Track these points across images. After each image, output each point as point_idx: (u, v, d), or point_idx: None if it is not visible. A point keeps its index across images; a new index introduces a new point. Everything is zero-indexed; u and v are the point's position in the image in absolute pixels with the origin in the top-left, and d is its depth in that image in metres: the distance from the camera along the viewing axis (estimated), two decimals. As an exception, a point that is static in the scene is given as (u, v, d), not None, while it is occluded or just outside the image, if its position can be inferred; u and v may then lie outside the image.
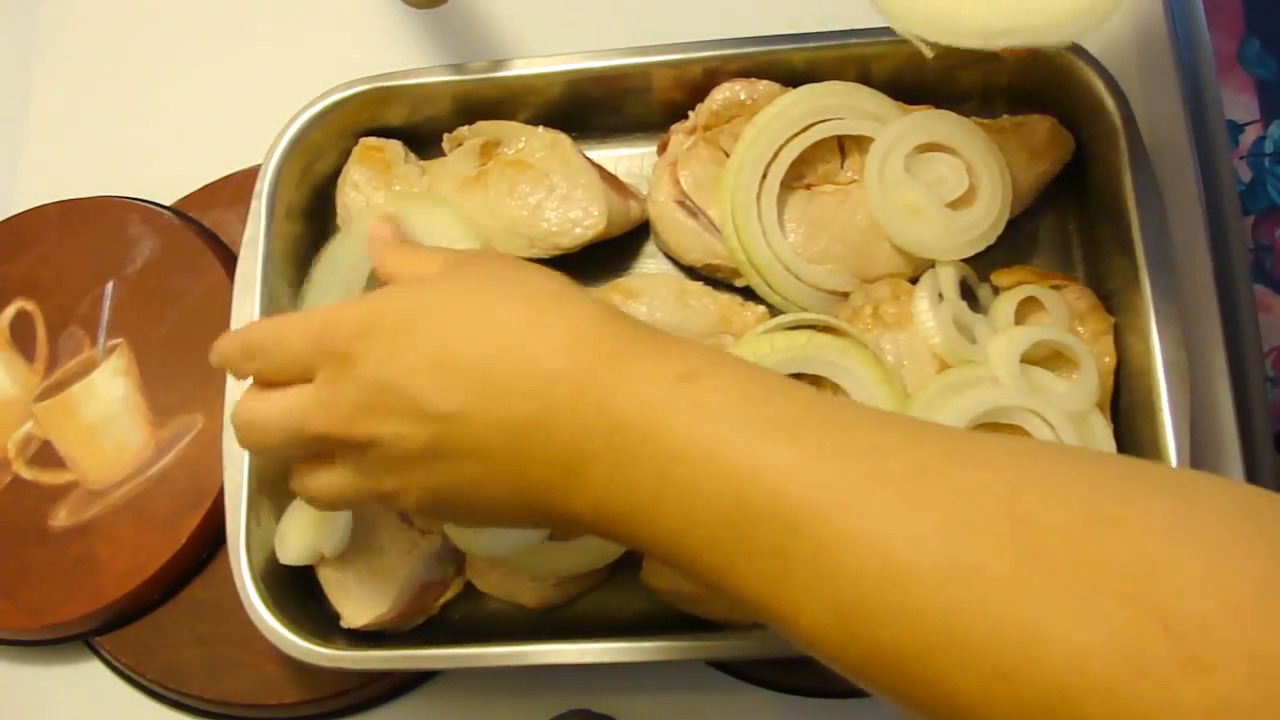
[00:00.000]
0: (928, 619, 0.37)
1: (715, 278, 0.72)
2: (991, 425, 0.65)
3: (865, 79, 0.71)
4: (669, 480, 0.43)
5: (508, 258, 0.55)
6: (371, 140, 0.76)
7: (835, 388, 0.66)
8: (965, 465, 0.39)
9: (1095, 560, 0.35)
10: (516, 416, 0.47)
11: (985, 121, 0.71)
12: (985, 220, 0.68)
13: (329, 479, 0.53)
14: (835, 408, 0.44)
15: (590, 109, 0.76)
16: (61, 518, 0.75)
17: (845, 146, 0.72)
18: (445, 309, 0.49)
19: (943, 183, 0.69)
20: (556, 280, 0.51)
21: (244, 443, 0.55)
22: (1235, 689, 0.32)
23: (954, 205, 0.69)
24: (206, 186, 0.83)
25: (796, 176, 0.71)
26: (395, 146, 0.76)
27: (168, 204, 0.82)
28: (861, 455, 0.41)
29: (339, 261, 0.72)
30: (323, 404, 0.50)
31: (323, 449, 0.52)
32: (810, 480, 0.40)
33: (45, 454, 0.76)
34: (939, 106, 0.71)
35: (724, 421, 0.43)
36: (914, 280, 0.69)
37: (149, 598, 0.73)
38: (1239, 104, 1.71)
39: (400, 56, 0.83)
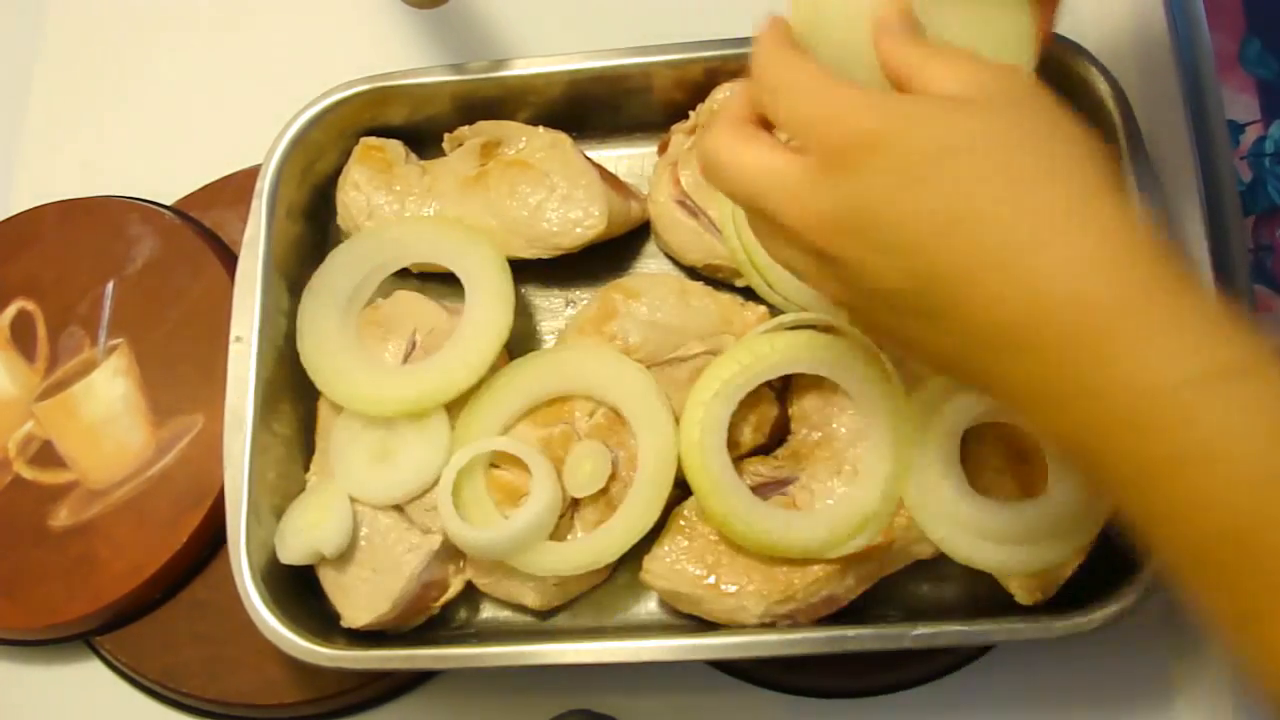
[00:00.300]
0: None
1: (716, 278, 0.72)
2: (991, 425, 0.65)
3: (865, 79, 0.71)
4: (1162, 478, 0.40)
5: (1047, 103, 0.46)
6: (372, 140, 0.76)
7: (835, 388, 0.66)
8: None
9: None
10: (1001, 320, 0.42)
11: (985, 121, 0.71)
12: (985, 220, 0.68)
13: (788, 254, 0.48)
14: None
15: (590, 109, 0.76)
16: (62, 518, 0.75)
17: (845, 146, 0.72)
18: (980, 159, 0.43)
19: (943, 183, 0.69)
20: (1097, 165, 0.43)
21: (706, 174, 0.50)
22: None
23: (954, 205, 0.69)
24: (206, 186, 0.83)
25: (797, 176, 0.71)
26: (396, 146, 0.76)
27: (168, 204, 0.82)
28: None
29: (342, 268, 0.72)
30: (796, 194, 0.45)
31: (781, 226, 0.47)
32: None
33: (45, 454, 0.76)
34: (939, 106, 0.71)
35: (1250, 446, 0.38)
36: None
37: (149, 598, 0.73)
38: (1239, 104, 1.71)
39: (400, 56, 0.83)
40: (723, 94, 0.72)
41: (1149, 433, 0.40)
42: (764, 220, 0.48)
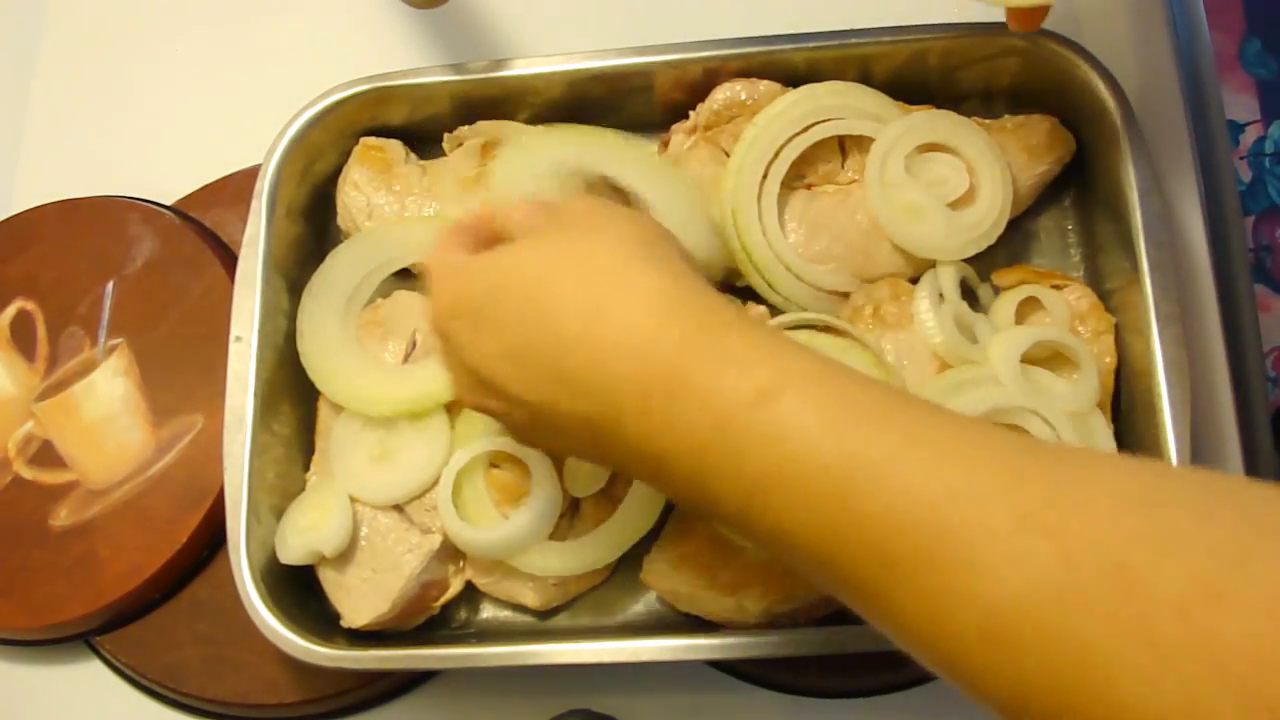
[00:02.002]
0: (1030, 679, 0.36)
1: (716, 278, 0.72)
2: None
3: (865, 79, 0.71)
4: (759, 492, 0.43)
5: (592, 208, 0.54)
6: (372, 140, 0.76)
7: (835, 388, 0.66)
8: (1071, 513, 0.37)
9: (1203, 639, 0.33)
10: (589, 413, 0.47)
11: (986, 122, 0.71)
12: (986, 220, 0.68)
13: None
14: (932, 425, 0.42)
15: (590, 109, 0.76)
16: (62, 517, 0.75)
17: (846, 146, 0.72)
18: (519, 290, 0.49)
19: (943, 183, 0.69)
20: (625, 244, 0.49)
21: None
22: None
23: (955, 205, 0.69)
24: (206, 186, 0.83)
25: (797, 176, 0.71)
26: (396, 146, 0.76)
27: (168, 204, 0.82)
28: (960, 497, 0.39)
29: (342, 268, 0.72)
30: (447, 371, 0.54)
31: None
32: (913, 493, 0.39)
33: (45, 454, 0.76)
34: (940, 106, 0.71)
35: (807, 446, 0.42)
36: (914, 280, 0.69)
37: (149, 598, 0.73)
38: (1239, 104, 1.71)
39: (400, 56, 0.83)
40: (723, 94, 0.72)
41: (730, 465, 0.43)
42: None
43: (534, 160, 0.70)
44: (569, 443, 0.51)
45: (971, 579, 0.38)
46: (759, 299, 0.70)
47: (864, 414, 0.42)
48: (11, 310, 0.80)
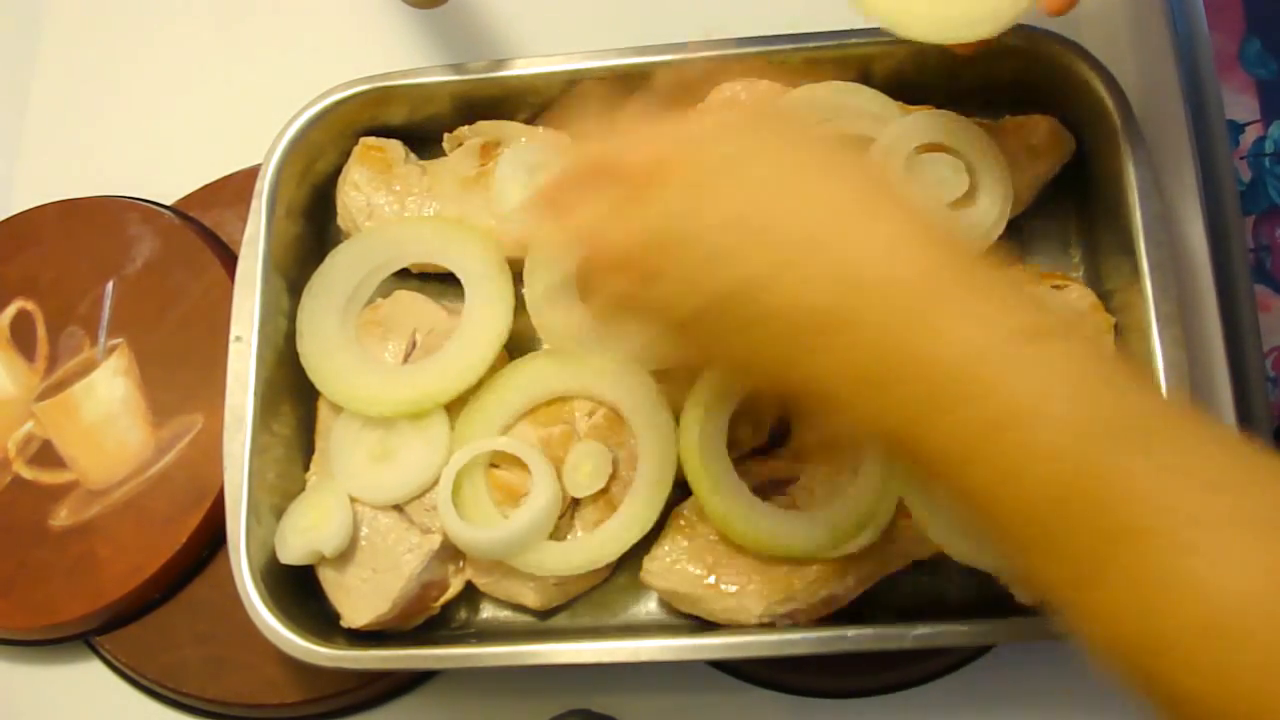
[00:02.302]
0: (1239, 689, 0.35)
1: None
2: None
3: (865, 79, 0.71)
4: (988, 444, 0.40)
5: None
6: (372, 140, 0.76)
7: (835, 388, 0.66)
8: None
9: None
10: (816, 305, 0.43)
11: (986, 121, 0.71)
12: (986, 220, 0.68)
13: (617, 289, 0.49)
14: (1187, 421, 0.40)
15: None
16: (62, 517, 0.75)
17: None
18: (761, 164, 0.45)
19: (943, 183, 0.69)
20: (869, 165, 0.48)
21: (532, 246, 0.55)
22: None
23: (954, 205, 0.69)
24: (206, 186, 0.83)
25: (797, 176, 0.71)
26: (396, 146, 0.76)
27: (168, 204, 0.82)
28: (1212, 486, 0.37)
29: (342, 268, 0.72)
30: (611, 226, 0.47)
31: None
32: (1149, 498, 0.37)
33: (45, 454, 0.76)
34: (939, 106, 0.71)
35: (1068, 403, 0.39)
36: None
37: (149, 598, 0.73)
38: (1239, 104, 1.71)
39: (400, 56, 0.83)
40: (723, 94, 0.72)
41: (964, 402, 0.40)
42: (589, 265, 0.51)
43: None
44: (757, 339, 0.45)
45: (1201, 566, 0.36)
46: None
47: (1114, 382, 0.40)
48: (11, 310, 0.80)
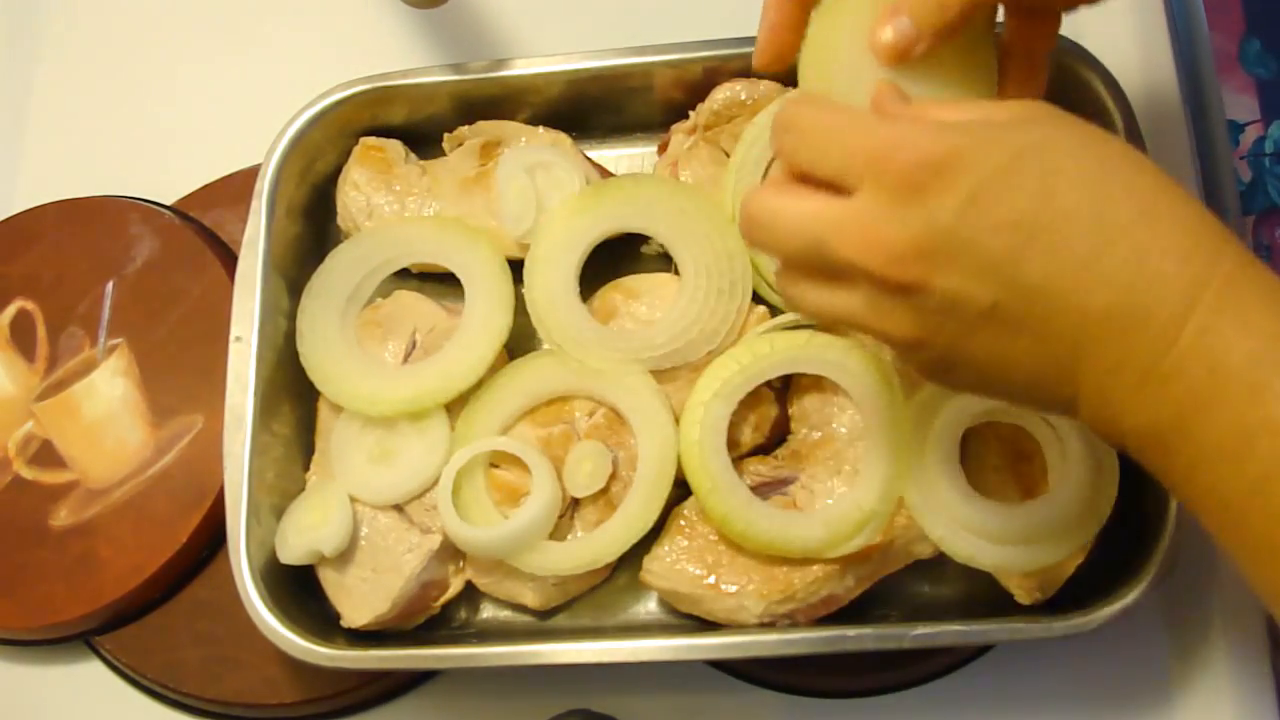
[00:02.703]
0: None
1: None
2: (991, 424, 0.65)
3: (865, 79, 0.71)
4: (1252, 452, 0.40)
5: (1075, 118, 0.46)
6: (372, 140, 0.76)
7: (835, 388, 0.66)
8: None
9: None
10: (1099, 306, 0.42)
11: (985, 121, 0.71)
12: (985, 220, 0.68)
13: (835, 301, 0.47)
14: None
15: (590, 109, 0.76)
16: (62, 517, 0.75)
17: (845, 146, 0.72)
18: (1048, 165, 0.43)
19: (943, 183, 0.69)
20: (1149, 164, 0.44)
21: (748, 237, 0.49)
22: None
23: (954, 205, 0.69)
24: (206, 186, 0.83)
25: (797, 176, 0.71)
26: (395, 146, 0.76)
27: (168, 204, 0.82)
28: None
29: (342, 268, 0.72)
30: (863, 229, 0.44)
31: (837, 271, 0.46)
32: None
33: (45, 453, 0.76)
34: (939, 106, 0.71)
35: None
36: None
37: (149, 597, 0.73)
38: (1239, 104, 1.70)
39: (400, 56, 0.83)
40: (723, 94, 0.72)
41: (1235, 404, 0.41)
42: (815, 268, 0.47)
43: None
44: (1024, 348, 0.44)
45: None
46: (759, 299, 0.70)
47: None
48: (11, 310, 0.80)
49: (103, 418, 0.76)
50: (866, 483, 0.64)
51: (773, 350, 0.66)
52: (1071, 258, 0.42)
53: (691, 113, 0.73)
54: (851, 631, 0.63)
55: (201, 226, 0.81)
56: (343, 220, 0.75)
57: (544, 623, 0.69)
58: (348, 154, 0.76)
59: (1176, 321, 0.42)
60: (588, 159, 0.74)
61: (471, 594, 0.70)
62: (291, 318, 0.71)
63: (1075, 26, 0.73)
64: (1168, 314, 0.42)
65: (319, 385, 0.70)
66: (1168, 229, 0.42)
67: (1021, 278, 0.43)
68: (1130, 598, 0.61)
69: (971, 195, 0.43)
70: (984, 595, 0.65)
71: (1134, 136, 0.66)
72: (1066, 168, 0.43)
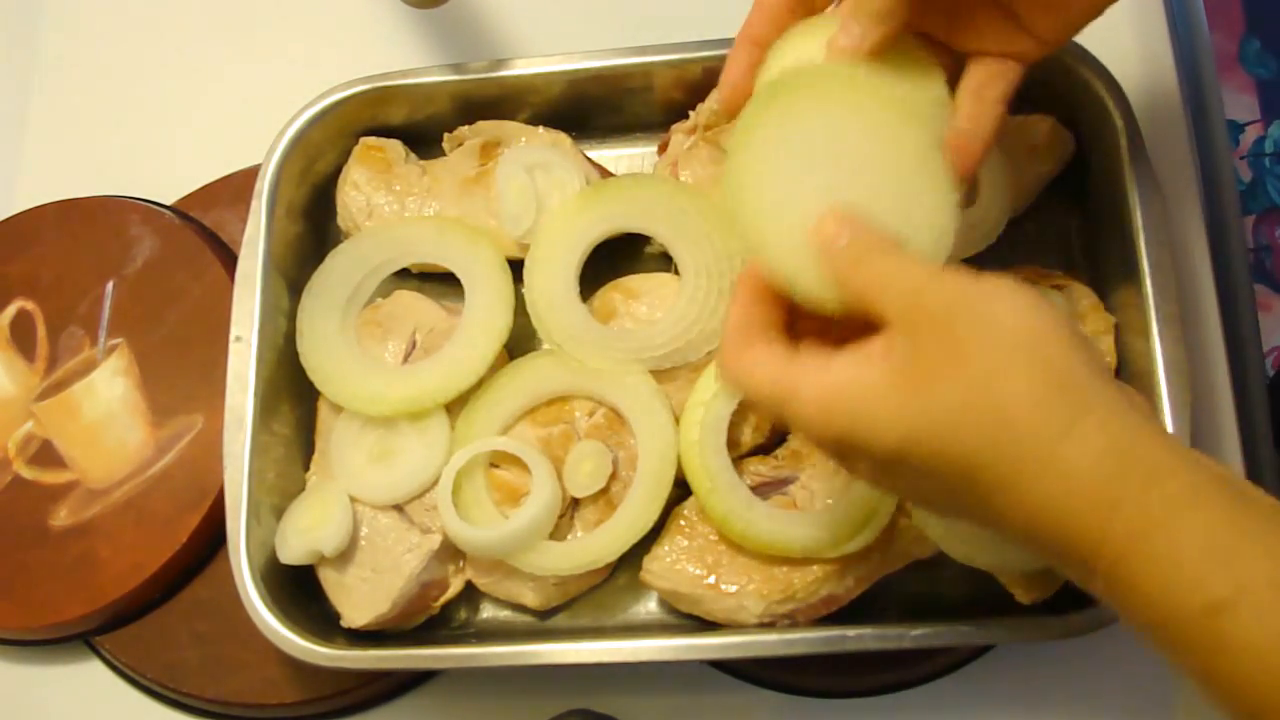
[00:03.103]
0: None
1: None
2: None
3: (865, 79, 0.71)
4: (1200, 683, 0.42)
5: (978, 317, 0.45)
6: (372, 140, 0.76)
7: (835, 388, 0.66)
8: None
9: None
10: (1025, 539, 0.45)
11: (985, 121, 0.71)
12: (986, 219, 0.68)
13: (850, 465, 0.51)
14: None
15: (590, 109, 0.76)
16: (62, 517, 0.75)
17: (845, 146, 0.72)
18: (927, 450, 0.45)
19: (943, 182, 0.69)
20: (1041, 378, 0.44)
21: (724, 380, 0.53)
22: None
23: (954, 205, 0.69)
24: (206, 186, 0.83)
25: (797, 176, 0.71)
26: (396, 146, 0.76)
27: (168, 204, 0.82)
28: None
29: (342, 268, 0.72)
30: (805, 424, 0.48)
31: None
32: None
33: (45, 453, 0.76)
34: (939, 106, 0.71)
35: (1257, 661, 0.40)
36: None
37: (149, 597, 0.73)
38: (1239, 104, 1.71)
39: (400, 56, 0.83)
40: (723, 94, 0.72)
41: (1177, 652, 0.42)
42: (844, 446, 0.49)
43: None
44: (949, 504, 0.48)
45: None
46: (759, 299, 0.70)
47: None
48: (11, 310, 0.80)
49: (103, 418, 0.76)
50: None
51: (773, 350, 0.66)
52: (972, 511, 0.46)
53: (691, 113, 0.73)
54: (851, 631, 0.62)
55: (201, 226, 0.81)
56: (343, 220, 0.75)
57: (544, 623, 0.69)
58: (348, 154, 0.76)
59: (1084, 575, 0.44)
60: (588, 159, 0.74)
61: (471, 594, 0.70)
62: (291, 318, 0.71)
63: (1075, 26, 0.73)
64: (1077, 564, 0.44)
65: (319, 385, 0.70)
66: (1055, 491, 0.43)
67: (941, 511, 0.50)
68: (1130, 598, 0.61)
69: (875, 470, 0.47)
70: (984, 595, 0.65)
71: (1134, 136, 0.66)
72: (946, 454, 0.44)
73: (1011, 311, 0.45)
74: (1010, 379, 0.44)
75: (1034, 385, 0.44)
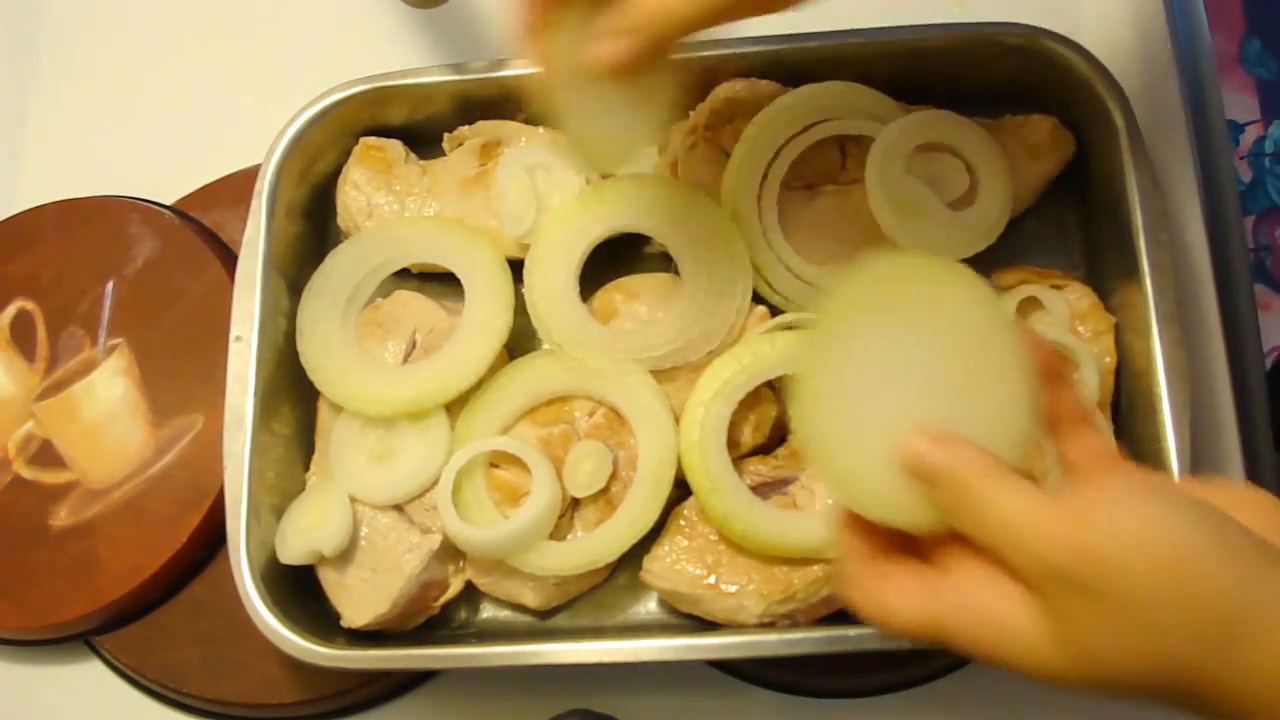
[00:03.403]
0: None
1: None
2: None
3: (865, 79, 0.71)
4: None
5: (1136, 585, 0.43)
6: (372, 140, 0.76)
7: (835, 388, 0.66)
8: None
9: None
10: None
11: (986, 121, 0.71)
12: (986, 219, 0.68)
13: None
14: None
15: (590, 109, 0.76)
16: (62, 517, 0.75)
17: (846, 147, 0.72)
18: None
19: (943, 182, 0.69)
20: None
21: (867, 618, 0.48)
22: None
23: (954, 205, 0.69)
24: (206, 186, 0.83)
25: (797, 177, 0.71)
26: (395, 146, 0.76)
27: (168, 204, 0.82)
28: None
29: (342, 268, 0.72)
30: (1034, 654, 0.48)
31: None
32: None
33: (45, 454, 0.76)
34: (939, 106, 0.71)
35: None
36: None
37: (149, 598, 0.73)
38: (1239, 104, 1.71)
39: (400, 56, 0.83)
40: (723, 94, 0.72)
41: None
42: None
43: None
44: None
45: None
46: (759, 299, 0.70)
47: None
48: (11, 310, 0.80)
49: (103, 418, 0.76)
50: (866, 483, 0.64)
51: (773, 350, 0.66)
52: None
53: (691, 113, 0.73)
54: (851, 631, 0.62)
55: (201, 226, 0.81)
56: (343, 220, 0.75)
57: (544, 623, 0.69)
58: (348, 154, 0.76)
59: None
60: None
61: (471, 594, 0.70)
62: (291, 318, 0.71)
63: (1075, 26, 0.73)
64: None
65: (319, 385, 0.70)
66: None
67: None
68: (1130, 598, 0.61)
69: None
70: (984, 595, 0.65)
71: (1134, 136, 0.66)
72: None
73: (1144, 558, 0.42)
74: (1167, 629, 0.43)
75: (1187, 622, 0.42)
